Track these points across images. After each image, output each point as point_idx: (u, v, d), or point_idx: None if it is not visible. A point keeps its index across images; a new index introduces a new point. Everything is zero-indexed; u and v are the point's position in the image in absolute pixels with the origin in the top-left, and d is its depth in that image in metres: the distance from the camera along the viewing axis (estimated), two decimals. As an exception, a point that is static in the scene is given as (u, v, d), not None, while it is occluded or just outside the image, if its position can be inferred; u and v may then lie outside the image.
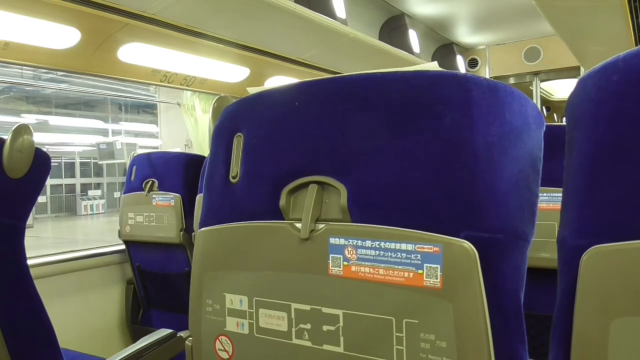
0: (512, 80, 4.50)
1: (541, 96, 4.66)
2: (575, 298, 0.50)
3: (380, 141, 0.66)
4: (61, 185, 22.57)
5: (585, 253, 0.50)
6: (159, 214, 2.28)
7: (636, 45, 2.59)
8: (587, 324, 0.49)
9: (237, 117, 0.81)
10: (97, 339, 2.37)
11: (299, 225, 0.70)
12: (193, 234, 2.23)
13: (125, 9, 1.77)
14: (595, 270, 0.49)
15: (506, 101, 0.63)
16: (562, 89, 5.80)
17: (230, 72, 2.60)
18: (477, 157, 0.61)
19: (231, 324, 0.77)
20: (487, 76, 4.43)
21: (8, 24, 1.63)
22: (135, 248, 2.41)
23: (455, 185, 0.61)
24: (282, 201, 0.72)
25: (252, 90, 0.80)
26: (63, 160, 22.74)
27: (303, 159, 0.72)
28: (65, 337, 2.09)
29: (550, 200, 1.31)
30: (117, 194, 22.78)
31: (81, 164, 23.65)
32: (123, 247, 2.44)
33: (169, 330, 1.47)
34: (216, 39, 2.19)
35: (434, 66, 0.68)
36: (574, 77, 4.26)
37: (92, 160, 22.50)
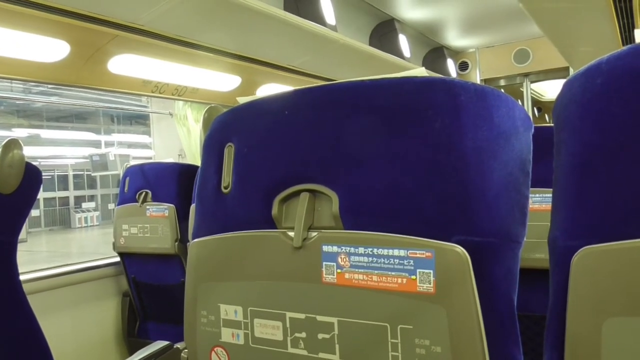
0: (502, 82, 4.53)
1: (532, 97, 4.69)
2: (567, 299, 0.50)
3: (370, 148, 0.66)
4: (55, 198, 22.45)
5: (576, 254, 0.50)
6: (153, 225, 2.27)
7: (623, 45, 2.61)
8: (580, 325, 0.50)
9: (227, 127, 0.81)
10: (94, 352, 2.35)
11: (291, 233, 0.70)
12: (188, 244, 2.21)
13: (114, 21, 1.78)
14: (587, 271, 0.49)
15: (494, 105, 0.64)
16: (552, 90, 5.84)
17: (221, 81, 2.61)
18: (467, 161, 0.61)
19: (226, 335, 0.76)
20: (478, 78, 4.46)
21: (-3, 38, 1.63)
22: (130, 260, 2.40)
23: (446, 189, 0.62)
24: (274, 210, 0.72)
25: (242, 99, 0.81)
26: (56, 173, 22.63)
27: (294, 167, 0.72)
28: (62, 351, 2.08)
29: (543, 201, 1.32)
30: (111, 206, 22.63)
31: (74, 176, 23.54)
32: (118, 259, 2.43)
33: (166, 342, 1.46)
34: (206, 48, 2.19)
35: (421, 72, 0.68)
36: (564, 77, 4.27)
37: (86, 173, 22.39)
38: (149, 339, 2.40)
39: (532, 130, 0.68)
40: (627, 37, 2.53)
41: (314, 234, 0.69)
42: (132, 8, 1.76)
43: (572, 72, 3.86)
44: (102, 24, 1.76)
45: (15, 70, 1.79)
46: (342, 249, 0.66)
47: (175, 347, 1.47)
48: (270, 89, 2.89)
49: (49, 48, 1.79)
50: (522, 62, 4.23)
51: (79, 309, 2.29)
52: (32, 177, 1.12)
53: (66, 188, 23.26)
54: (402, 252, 0.62)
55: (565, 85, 0.56)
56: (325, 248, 0.67)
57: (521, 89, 4.47)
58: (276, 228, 0.73)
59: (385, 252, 0.63)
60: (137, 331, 2.47)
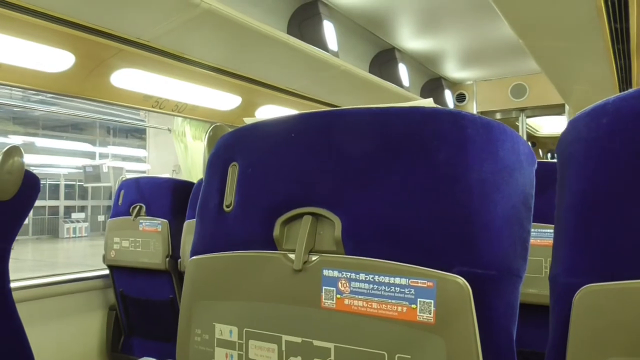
0: (498, 116, 4.58)
1: (527, 132, 4.74)
2: (568, 337, 0.50)
3: (375, 174, 0.67)
4: (44, 207, 22.21)
5: (577, 292, 0.50)
6: (145, 239, 2.25)
7: (619, 85, 2.66)
8: None
9: (232, 146, 0.81)
10: (76, 365, 2.31)
11: (292, 256, 0.70)
12: (179, 260, 2.20)
13: (120, 35, 1.79)
14: (588, 309, 0.49)
15: (499, 139, 0.65)
16: (547, 125, 5.92)
17: (222, 100, 2.62)
18: (471, 193, 0.62)
19: (220, 355, 0.75)
20: (475, 110, 4.51)
21: (2, 45, 1.64)
22: (119, 273, 2.37)
23: (449, 220, 0.62)
24: (276, 231, 0.72)
25: (249, 120, 0.81)
26: (47, 182, 22.45)
27: (298, 190, 0.72)
28: (44, 363, 2.03)
29: (538, 236, 1.32)
30: (101, 218, 22.44)
31: (66, 186, 23.34)
32: (106, 272, 2.40)
33: (151, 359, 1.43)
34: (209, 67, 2.21)
35: (429, 102, 0.69)
36: (559, 114, 4.36)
37: (77, 183, 22.23)
38: (132, 355, 2.36)
39: (535, 165, 0.69)
40: (624, 78, 2.58)
41: (314, 257, 0.69)
42: (138, 24, 1.78)
43: (567, 109, 3.90)
44: (108, 37, 1.77)
45: (19, 78, 1.79)
46: (342, 274, 0.66)
47: (160, 365, 1.44)
48: (270, 110, 2.91)
49: (54, 58, 1.80)
50: (519, 97, 4.29)
51: (64, 320, 2.25)
52: (30, 184, 1.12)
53: (57, 197, 23.04)
54: (403, 281, 0.62)
55: (570, 123, 0.57)
56: (325, 272, 0.67)
57: (517, 123, 4.52)
58: (277, 249, 0.73)
59: (386, 279, 0.63)
60: (121, 346, 2.43)
